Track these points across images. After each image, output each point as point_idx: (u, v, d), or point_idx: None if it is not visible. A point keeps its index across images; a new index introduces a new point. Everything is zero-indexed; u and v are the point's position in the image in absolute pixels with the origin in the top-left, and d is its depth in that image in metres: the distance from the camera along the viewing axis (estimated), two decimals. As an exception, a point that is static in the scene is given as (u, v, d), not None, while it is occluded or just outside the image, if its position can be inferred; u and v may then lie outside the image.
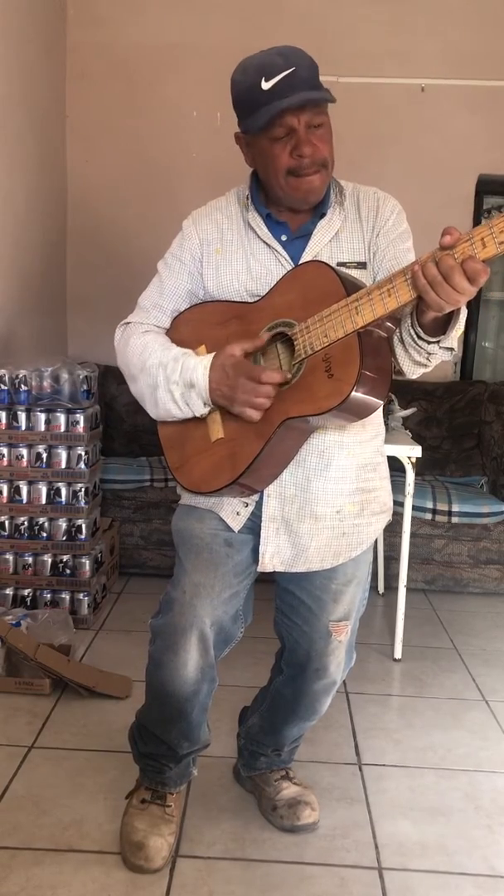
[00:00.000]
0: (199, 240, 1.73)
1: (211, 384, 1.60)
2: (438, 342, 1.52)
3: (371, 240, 1.69)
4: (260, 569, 1.74)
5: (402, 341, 1.56)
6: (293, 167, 1.57)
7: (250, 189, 1.72)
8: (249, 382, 1.55)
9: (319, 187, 1.62)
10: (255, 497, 1.73)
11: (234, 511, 1.73)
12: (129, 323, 1.80)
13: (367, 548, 1.80)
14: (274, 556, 1.72)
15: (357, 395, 1.47)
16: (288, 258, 1.67)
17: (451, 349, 1.54)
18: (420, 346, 1.53)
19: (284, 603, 1.85)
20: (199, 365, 1.62)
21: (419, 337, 1.51)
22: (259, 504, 1.72)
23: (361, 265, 1.68)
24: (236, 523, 1.74)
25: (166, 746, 1.89)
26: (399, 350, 1.58)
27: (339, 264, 1.65)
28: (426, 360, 1.56)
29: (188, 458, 1.71)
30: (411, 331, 1.51)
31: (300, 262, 1.65)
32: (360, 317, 1.45)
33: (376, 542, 3.62)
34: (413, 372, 1.62)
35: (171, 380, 1.64)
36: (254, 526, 1.74)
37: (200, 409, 1.65)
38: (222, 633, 1.77)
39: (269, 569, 1.74)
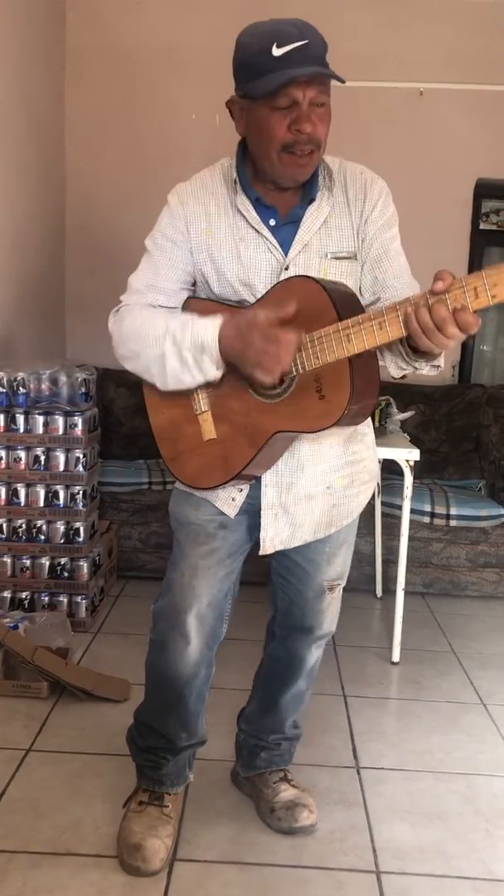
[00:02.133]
0: (187, 222, 1.69)
1: (224, 342, 1.55)
2: (426, 360, 1.55)
3: (360, 226, 1.69)
4: (261, 553, 1.80)
5: (390, 349, 1.58)
6: (289, 142, 1.54)
7: (237, 165, 1.68)
8: (267, 342, 1.49)
9: (310, 168, 1.60)
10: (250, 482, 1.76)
11: (229, 498, 1.77)
12: (121, 307, 1.76)
13: (358, 515, 1.88)
14: (273, 538, 1.78)
15: (347, 417, 1.53)
16: (277, 246, 1.66)
17: (439, 366, 1.59)
18: (408, 360, 1.56)
19: (280, 565, 1.90)
20: (208, 328, 1.58)
21: (408, 355, 1.54)
22: (255, 489, 1.75)
23: (351, 256, 1.68)
24: (231, 509, 1.78)
25: (165, 739, 1.93)
26: (387, 355, 1.60)
27: (329, 255, 1.66)
28: (412, 370, 1.60)
29: (180, 453, 1.75)
30: (401, 347, 1.53)
31: (290, 252, 1.64)
32: (351, 345, 1.47)
33: (374, 544, 3.64)
34: (396, 374, 1.64)
35: (183, 345, 1.59)
36: (248, 508, 1.78)
37: (213, 373, 1.60)
38: (217, 609, 1.85)
39: (269, 551, 1.80)
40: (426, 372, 1.60)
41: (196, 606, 1.81)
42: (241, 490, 1.76)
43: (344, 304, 1.53)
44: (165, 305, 1.73)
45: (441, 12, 4.22)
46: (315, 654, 1.99)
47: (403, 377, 1.67)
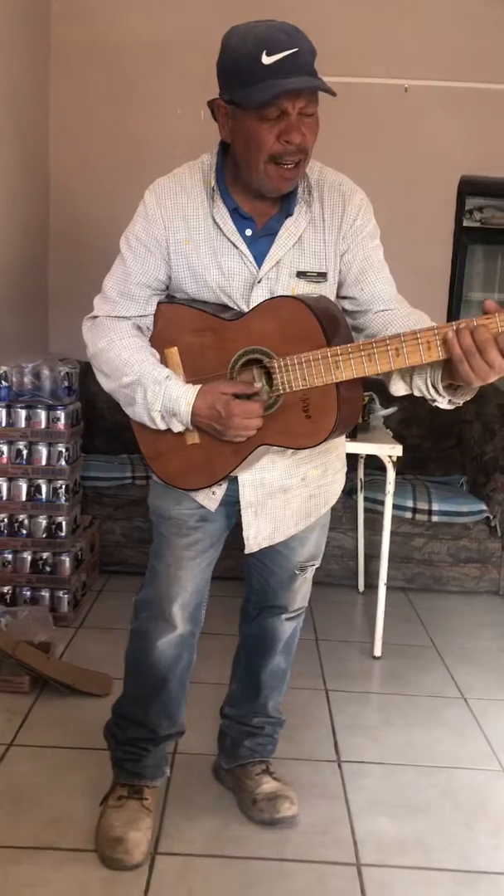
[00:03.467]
0: (164, 227, 1.67)
1: (197, 417, 1.63)
2: (453, 395, 1.55)
3: (337, 241, 1.69)
4: (247, 552, 1.83)
5: (408, 379, 1.58)
6: (277, 152, 1.52)
7: (217, 170, 1.66)
8: (245, 420, 1.59)
9: (295, 179, 1.60)
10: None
11: (209, 492, 1.79)
12: (96, 317, 1.76)
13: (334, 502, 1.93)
14: (257, 536, 1.80)
15: (332, 437, 1.59)
16: (252, 259, 1.66)
17: (458, 403, 1.59)
18: (430, 394, 1.56)
19: None
20: (181, 399, 1.62)
21: (435, 390, 1.54)
22: (233, 482, 1.77)
23: (322, 276, 1.68)
24: (212, 503, 1.80)
25: (146, 729, 1.95)
26: (398, 383, 1.61)
27: (300, 273, 1.66)
28: (430, 398, 1.59)
29: (162, 453, 1.76)
30: (429, 382, 1.54)
31: (262, 266, 1.64)
32: (339, 372, 1.51)
33: (356, 539, 3.65)
34: (401, 394, 1.64)
35: (153, 407, 1.65)
36: (227, 500, 1.80)
37: (178, 429, 1.68)
38: (199, 597, 1.91)
39: (254, 549, 1.82)
40: (444, 405, 1.58)
41: (182, 596, 1.86)
42: (221, 485, 1.77)
43: (332, 327, 1.55)
44: (138, 314, 1.73)
45: (426, 9, 4.22)
46: (289, 627, 2.02)
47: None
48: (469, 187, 4.39)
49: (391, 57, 4.26)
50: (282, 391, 1.58)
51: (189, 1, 4.19)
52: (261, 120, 1.50)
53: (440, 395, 1.54)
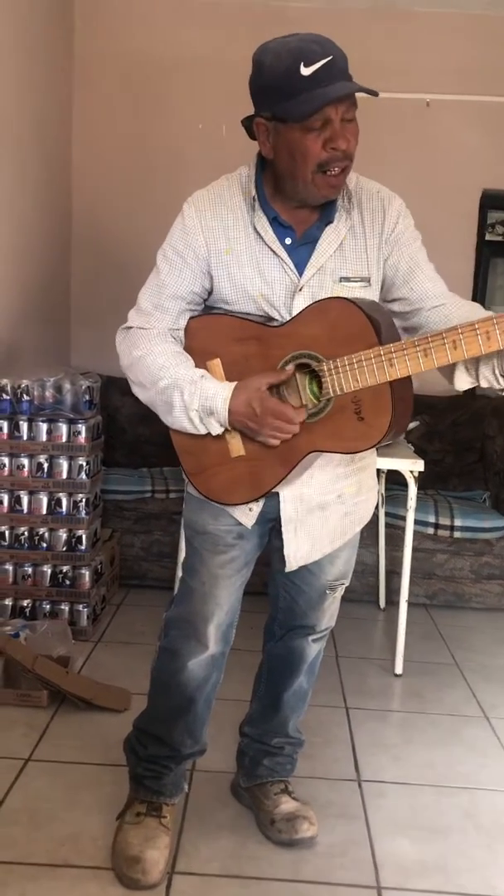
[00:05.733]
0: (205, 238, 1.67)
1: (233, 416, 1.62)
2: None
3: (380, 245, 1.69)
4: (288, 570, 1.82)
5: (473, 372, 1.58)
6: (325, 160, 1.53)
7: (256, 181, 1.66)
8: (277, 421, 1.58)
9: (340, 185, 1.60)
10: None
11: (246, 508, 1.77)
12: (130, 328, 1.76)
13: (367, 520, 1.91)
14: (296, 553, 1.79)
15: (386, 439, 1.56)
16: (293, 267, 1.66)
17: None
18: (499, 383, 1.55)
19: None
20: (217, 395, 1.62)
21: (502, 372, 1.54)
22: (270, 499, 1.75)
23: (365, 281, 1.68)
24: (248, 520, 1.78)
25: (169, 747, 1.93)
26: (462, 376, 1.60)
27: (343, 279, 1.66)
28: (491, 387, 1.58)
29: (206, 468, 1.74)
30: (497, 372, 1.54)
31: (304, 273, 1.65)
32: (394, 370, 1.49)
33: (378, 555, 3.62)
34: (464, 387, 1.63)
35: (190, 406, 1.63)
36: (261, 518, 1.79)
37: (217, 431, 1.67)
38: (232, 616, 1.89)
39: (294, 567, 1.82)
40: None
41: (217, 615, 1.84)
42: (259, 501, 1.75)
43: (382, 326, 1.54)
44: (171, 327, 1.73)
45: (448, 24, 4.22)
46: (315, 649, 2.00)
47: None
48: (491, 201, 4.38)
49: (413, 71, 4.26)
50: (332, 394, 1.56)
51: (211, 17, 4.22)
52: (306, 131, 1.52)
53: None
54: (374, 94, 1.50)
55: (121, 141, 4.36)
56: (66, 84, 4.26)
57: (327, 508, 1.78)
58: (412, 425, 3.37)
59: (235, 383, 1.63)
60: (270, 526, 1.81)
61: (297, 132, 1.52)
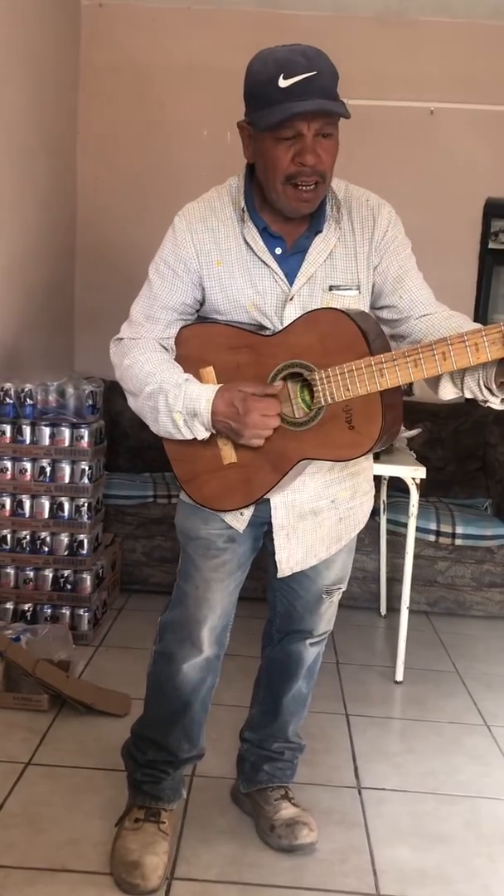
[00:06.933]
0: (196, 251, 1.69)
1: (216, 416, 1.62)
2: (502, 399, 1.54)
3: (369, 253, 1.70)
4: (279, 576, 1.82)
5: (458, 382, 1.57)
6: (293, 173, 1.54)
7: (245, 192, 1.68)
8: (259, 417, 1.59)
9: (314, 202, 1.61)
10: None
11: (237, 513, 1.78)
12: (121, 339, 1.78)
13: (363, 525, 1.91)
14: (289, 559, 1.80)
15: (376, 447, 1.57)
16: (283, 277, 1.67)
17: None
18: (482, 395, 1.55)
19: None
20: (201, 397, 1.62)
21: (489, 391, 1.53)
22: (261, 508, 1.76)
23: (355, 289, 1.69)
24: (240, 524, 1.79)
25: (167, 752, 1.93)
26: (447, 386, 1.59)
27: (332, 287, 1.67)
28: (483, 399, 1.57)
29: (198, 475, 1.75)
30: (481, 383, 1.53)
31: (294, 283, 1.66)
32: (384, 380, 1.50)
33: (379, 562, 3.62)
34: (449, 398, 1.63)
35: (174, 408, 1.64)
36: (253, 521, 1.79)
37: (202, 434, 1.67)
38: (226, 619, 1.89)
39: (287, 573, 1.82)
40: (497, 406, 1.57)
41: (210, 618, 1.84)
42: (249, 506, 1.76)
43: (373, 336, 1.55)
44: (161, 337, 1.74)
45: (452, 32, 4.24)
46: (313, 652, 2.00)
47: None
48: (495, 209, 4.38)
49: (417, 80, 4.28)
50: (323, 403, 1.57)
51: (216, 25, 4.24)
52: (276, 141, 1.53)
53: (494, 394, 1.54)
54: (345, 116, 1.51)
55: (125, 148, 4.38)
56: (72, 93, 4.28)
57: (320, 514, 1.79)
58: (414, 432, 3.37)
59: (219, 385, 1.64)
60: (265, 530, 1.82)
61: (269, 141, 1.54)
